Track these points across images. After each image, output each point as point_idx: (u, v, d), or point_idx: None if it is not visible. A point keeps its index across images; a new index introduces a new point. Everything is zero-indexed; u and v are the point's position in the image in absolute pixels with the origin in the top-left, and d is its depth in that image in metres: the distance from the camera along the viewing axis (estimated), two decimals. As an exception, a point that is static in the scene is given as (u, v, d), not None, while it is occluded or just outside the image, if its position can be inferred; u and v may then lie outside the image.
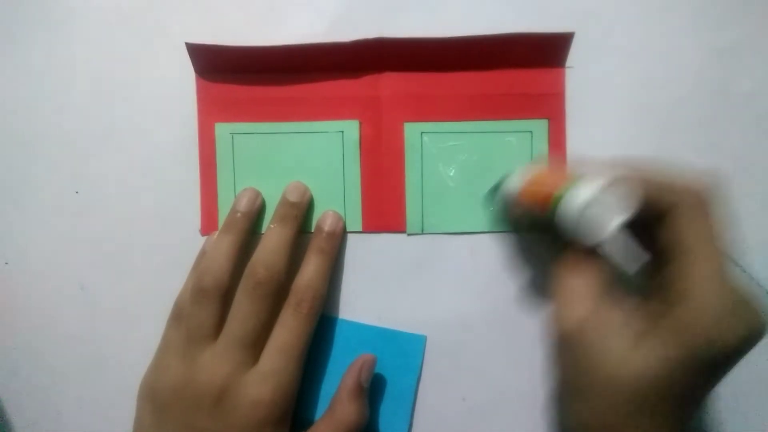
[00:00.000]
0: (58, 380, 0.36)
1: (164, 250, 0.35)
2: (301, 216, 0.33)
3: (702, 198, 0.25)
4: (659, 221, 0.26)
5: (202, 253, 0.34)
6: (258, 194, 0.34)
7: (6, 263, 0.36)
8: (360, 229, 0.35)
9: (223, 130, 0.35)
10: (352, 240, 0.35)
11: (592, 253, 0.28)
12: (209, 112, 0.35)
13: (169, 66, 0.35)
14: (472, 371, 0.35)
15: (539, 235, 0.31)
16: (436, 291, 0.35)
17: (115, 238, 0.35)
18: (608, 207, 0.25)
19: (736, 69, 0.34)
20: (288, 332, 0.31)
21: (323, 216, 0.34)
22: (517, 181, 0.30)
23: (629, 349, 0.25)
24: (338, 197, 0.35)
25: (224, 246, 0.32)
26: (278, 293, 0.31)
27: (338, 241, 0.34)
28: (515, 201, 0.30)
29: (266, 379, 0.30)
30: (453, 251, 0.35)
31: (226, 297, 0.31)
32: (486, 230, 0.35)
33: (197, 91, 0.35)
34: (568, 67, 0.34)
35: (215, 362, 0.30)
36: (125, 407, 0.35)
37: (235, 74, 0.34)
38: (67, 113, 0.35)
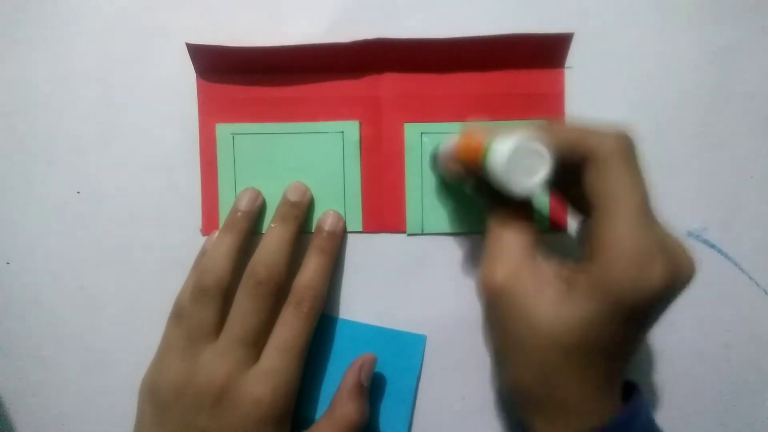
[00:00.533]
0: (60, 379, 0.36)
1: (165, 250, 0.35)
2: (301, 216, 0.33)
3: (619, 145, 0.25)
4: (577, 173, 0.26)
5: (203, 253, 0.34)
6: (258, 194, 0.34)
7: (7, 263, 0.36)
8: (360, 229, 0.35)
9: (223, 130, 0.35)
10: (352, 240, 0.35)
11: (522, 207, 0.28)
12: (210, 113, 0.35)
13: (169, 67, 0.35)
14: (471, 371, 0.35)
15: (475, 191, 0.31)
16: (436, 291, 0.35)
17: (116, 238, 0.35)
18: (533, 157, 0.25)
19: (736, 69, 0.34)
20: (288, 331, 0.31)
21: (324, 216, 0.34)
22: (451, 140, 0.30)
23: (557, 302, 0.25)
24: (338, 197, 0.35)
25: (225, 245, 0.32)
26: (278, 292, 0.31)
27: (338, 240, 0.34)
28: (451, 157, 0.30)
29: (266, 377, 0.30)
30: (453, 251, 0.35)
31: (226, 296, 0.31)
32: (486, 230, 0.35)
33: (198, 92, 0.35)
34: (568, 68, 0.34)
35: (216, 361, 0.30)
36: (127, 406, 0.35)
37: (236, 75, 0.34)
38: (68, 114, 0.35)
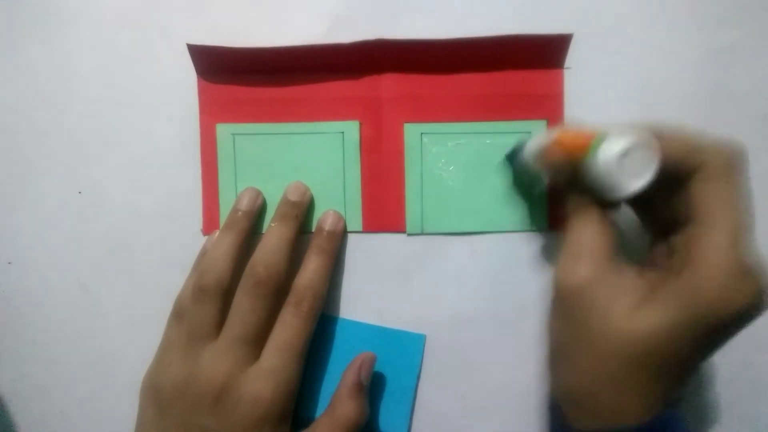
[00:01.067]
0: (62, 379, 0.36)
1: (166, 250, 0.35)
2: (301, 215, 0.33)
3: (730, 161, 0.25)
4: (680, 183, 0.26)
5: (203, 252, 0.34)
6: (259, 194, 0.34)
7: (9, 263, 0.36)
8: (360, 229, 0.35)
9: (224, 131, 0.35)
10: (352, 240, 0.35)
11: (607, 211, 0.28)
12: (211, 113, 0.35)
13: (170, 67, 0.35)
14: (471, 370, 0.35)
15: (563, 186, 0.30)
16: (436, 291, 0.35)
17: (117, 238, 0.35)
18: (641, 160, 0.25)
19: (736, 69, 0.34)
20: (288, 331, 0.31)
21: (324, 215, 0.34)
22: (544, 137, 0.30)
23: (632, 309, 0.25)
24: (339, 197, 0.35)
25: (225, 245, 0.32)
26: (278, 292, 0.31)
27: (339, 240, 0.34)
28: (544, 154, 0.29)
29: (266, 376, 0.30)
30: (453, 251, 0.35)
31: (226, 295, 0.31)
32: (486, 230, 0.35)
33: (199, 92, 0.35)
34: (567, 68, 0.34)
35: (216, 360, 0.30)
36: (128, 406, 0.35)
37: (237, 75, 0.34)
38: (69, 114, 0.35)
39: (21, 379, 0.36)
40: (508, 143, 0.34)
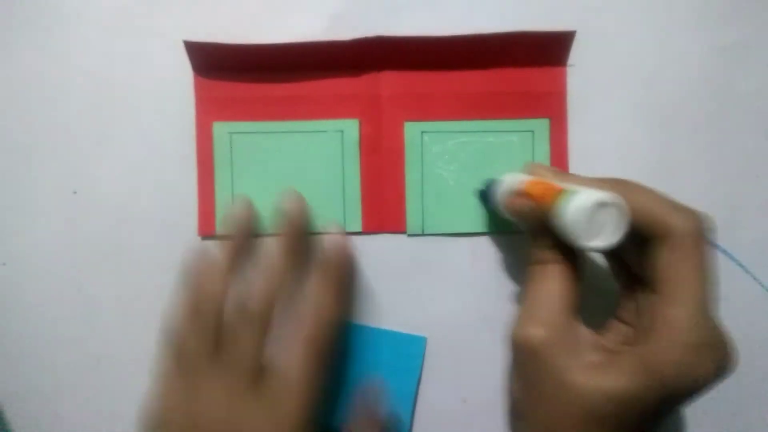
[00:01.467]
0: (56, 381, 0.36)
1: (162, 251, 0.35)
2: (297, 236, 0.31)
3: (696, 233, 0.25)
4: (647, 246, 0.26)
5: (195, 271, 0.32)
6: (248, 209, 0.32)
7: (3, 264, 0.35)
8: (360, 230, 0.35)
9: (221, 129, 0.34)
10: (352, 240, 0.35)
11: (571, 261, 0.28)
12: (207, 111, 0.34)
13: (166, 66, 0.34)
14: (472, 372, 0.35)
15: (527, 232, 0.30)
16: (436, 291, 0.35)
17: (112, 239, 0.35)
18: (610, 219, 0.25)
19: (738, 68, 0.34)
20: (301, 370, 0.29)
21: (330, 239, 0.32)
22: (513, 183, 0.30)
23: (596, 370, 0.25)
24: (338, 197, 0.34)
25: (218, 266, 0.30)
26: (271, 315, 0.29)
27: (347, 263, 0.32)
28: (510, 202, 0.29)
29: (271, 411, 0.28)
30: (453, 252, 0.35)
31: (221, 318, 0.29)
32: (486, 231, 0.35)
33: (195, 90, 0.34)
34: (570, 66, 0.34)
35: (217, 393, 0.28)
36: (123, 408, 0.35)
37: (234, 72, 0.34)
38: (64, 113, 0.35)
39: (15, 380, 0.36)
40: (510, 142, 0.34)
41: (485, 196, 0.33)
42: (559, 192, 0.26)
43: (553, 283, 0.27)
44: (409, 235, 0.35)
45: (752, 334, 0.34)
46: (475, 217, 0.34)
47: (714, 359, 0.24)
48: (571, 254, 0.28)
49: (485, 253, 0.35)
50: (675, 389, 0.24)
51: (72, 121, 0.35)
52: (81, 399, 0.36)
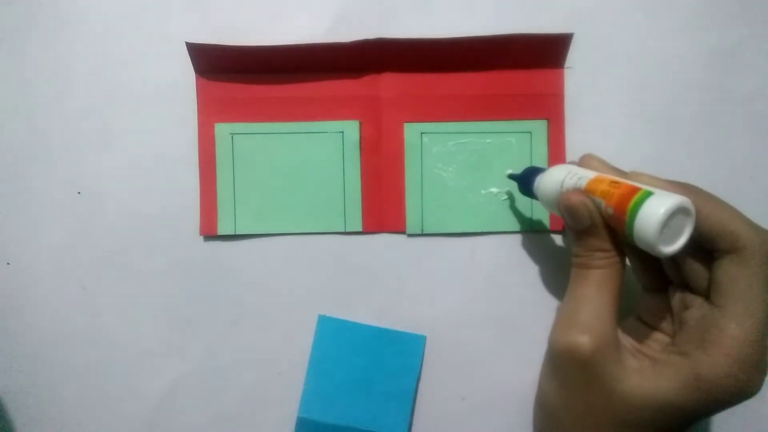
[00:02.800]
0: (60, 380, 0.36)
1: (164, 250, 0.35)
2: None
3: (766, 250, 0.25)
4: (704, 256, 0.26)
5: None
6: None
7: (8, 264, 0.35)
8: (360, 230, 0.35)
9: (222, 130, 0.35)
10: (352, 241, 0.35)
11: (621, 266, 0.27)
12: (209, 113, 0.35)
13: (169, 68, 0.35)
14: (471, 371, 0.35)
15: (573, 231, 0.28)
16: (436, 291, 0.35)
17: (116, 239, 0.35)
18: (677, 224, 0.24)
19: (735, 70, 0.34)
20: None
21: None
22: (572, 171, 0.28)
23: (642, 375, 0.25)
24: (338, 197, 0.35)
25: None
26: None
27: None
28: (566, 198, 0.27)
29: None
30: (453, 252, 0.35)
31: None
32: (486, 230, 0.35)
33: (197, 91, 0.35)
34: (568, 68, 0.34)
35: None
36: (126, 407, 0.35)
37: (236, 74, 0.34)
38: (67, 115, 0.35)
39: (18, 378, 0.36)
40: (509, 143, 0.34)
41: (524, 182, 0.32)
42: (636, 192, 0.25)
43: (601, 288, 0.26)
44: (409, 235, 0.35)
45: None
46: (474, 216, 0.35)
47: (761, 378, 0.24)
48: (621, 258, 0.27)
49: (484, 252, 0.35)
50: (722, 402, 0.24)
51: (75, 122, 0.35)
52: (84, 397, 0.36)
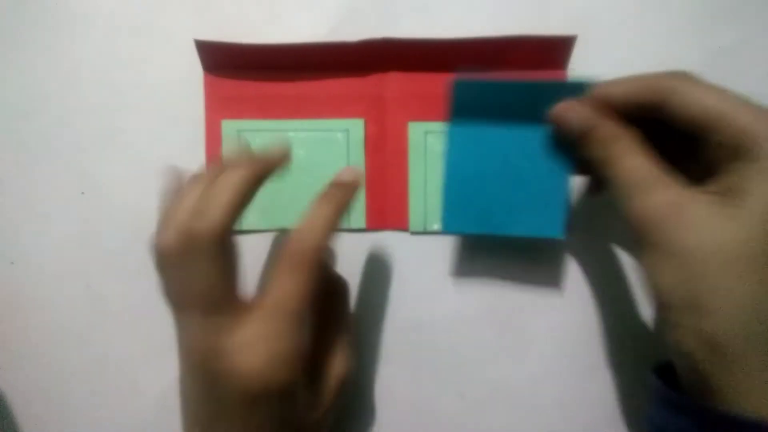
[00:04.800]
0: (64, 379, 0.36)
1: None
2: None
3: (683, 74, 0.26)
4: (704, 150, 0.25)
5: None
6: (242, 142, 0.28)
7: (12, 263, 0.36)
8: (364, 227, 0.35)
9: (229, 127, 0.35)
10: (355, 238, 0.35)
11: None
12: (216, 109, 0.35)
13: (174, 66, 0.35)
14: (471, 369, 0.35)
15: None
16: (438, 289, 0.35)
17: (120, 238, 0.35)
18: None
19: (734, 70, 0.34)
20: (289, 285, 0.26)
21: (342, 169, 0.30)
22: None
23: (723, 211, 0.23)
24: (343, 194, 0.35)
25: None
26: (227, 244, 0.26)
27: (352, 194, 0.29)
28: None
29: (256, 344, 0.25)
30: (456, 250, 0.35)
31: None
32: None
33: (205, 88, 0.35)
34: (571, 70, 0.35)
35: (193, 331, 0.26)
36: (131, 405, 0.35)
37: (243, 71, 0.35)
38: (72, 114, 0.35)
39: (22, 378, 0.36)
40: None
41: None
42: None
43: (643, 151, 0.26)
44: (412, 233, 0.35)
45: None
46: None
47: None
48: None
49: (485, 252, 0.35)
50: None
51: (80, 121, 0.35)
52: (88, 397, 0.36)
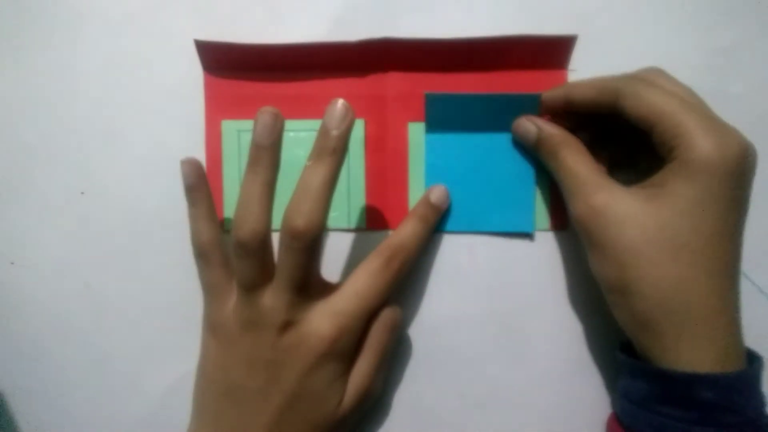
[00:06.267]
0: (64, 378, 0.36)
1: (169, 249, 0.35)
2: (341, 148, 0.29)
3: (642, 76, 0.29)
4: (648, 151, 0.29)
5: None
6: (276, 115, 0.29)
7: (12, 263, 0.36)
8: (364, 227, 0.35)
9: (229, 127, 0.35)
10: (355, 237, 0.35)
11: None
12: (216, 110, 0.35)
13: (174, 67, 0.35)
14: (470, 369, 0.35)
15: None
16: (437, 289, 0.35)
17: (120, 237, 0.35)
18: None
19: (732, 70, 0.35)
20: (370, 281, 0.31)
21: (432, 187, 0.34)
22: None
23: (654, 200, 0.27)
24: (343, 194, 0.35)
25: (255, 189, 0.29)
26: (319, 238, 0.29)
27: (440, 214, 0.34)
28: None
29: (336, 317, 0.30)
30: (453, 250, 0.35)
31: (267, 242, 0.30)
32: (485, 230, 0.35)
33: (205, 88, 0.35)
34: (571, 70, 0.35)
35: (275, 301, 0.30)
36: (131, 405, 0.35)
37: (243, 71, 0.35)
38: (72, 114, 0.35)
39: (22, 377, 0.36)
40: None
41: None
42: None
43: (585, 154, 0.31)
44: (412, 233, 0.35)
45: (749, 335, 0.35)
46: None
47: (737, 136, 0.28)
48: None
49: (484, 252, 0.35)
50: (722, 171, 0.26)
51: (80, 121, 0.35)
52: (88, 396, 0.36)
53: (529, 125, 0.33)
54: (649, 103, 0.28)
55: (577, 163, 0.30)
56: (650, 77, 0.30)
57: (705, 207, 0.26)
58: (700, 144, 0.26)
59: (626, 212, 0.28)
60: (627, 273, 0.27)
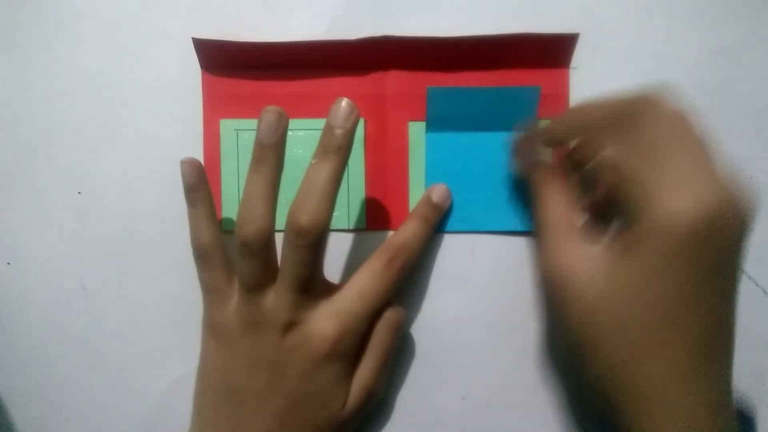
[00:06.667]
0: (61, 380, 0.36)
1: (167, 249, 0.35)
2: (345, 146, 0.29)
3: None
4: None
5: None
6: (281, 114, 0.29)
7: (8, 263, 0.35)
8: (364, 227, 0.35)
9: (228, 126, 0.35)
10: (355, 238, 0.35)
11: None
12: (214, 108, 0.35)
13: (171, 66, 0.35)
14: (471, 370, 0.35)
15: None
16: (437, 290, 0.35)
17: (117, 238, 0.35)
18: None
19: (736, 69, 0.34)
20: (374, 280, 0.31)
21: (433, 187, 0.34)
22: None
23: (612, 268, 0.25)
24: (342, 194, 0.35)
25: (259, 188, 0.29)
26: (325, 236, 0.29)
27: (442, 214, 0.34)
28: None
29: (338, 316, 0.30)
30: (453, 250, 0.35)
31: (270, 242, 0.29)
32: (486, 230, 0.35)
33: (203, 87, 0.35)
34: (573, 68, 0.35)
35: (278, 301, 0.29)
36: (129, 407, 0.35)
37: (242, 70, 0.34)
38: (68, 113, 0.35)
39: (19, 378, 0.36)
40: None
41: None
42: None
43: (564, 197, 0.30)
44: (412, 233, 0.35)
45: (749, 335, 0.35)
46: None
47: (722, 190, 0.23)
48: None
49: (484, 252, 0.35)
50: (676, 236, 0.23)
51: (77, 120, 0.35)
52: (86, 398, 0.36)
53: (522, 150, 0.33)
54: (611, 165, 0.26)
55: (550, 209, 0.30)
56: (639, 108, 0.27)
57: (660, 277, 0.24)
58: (660, 204, 0.23)
59: (589, 274, 0.26)
60: (582, 337, 0.26)
